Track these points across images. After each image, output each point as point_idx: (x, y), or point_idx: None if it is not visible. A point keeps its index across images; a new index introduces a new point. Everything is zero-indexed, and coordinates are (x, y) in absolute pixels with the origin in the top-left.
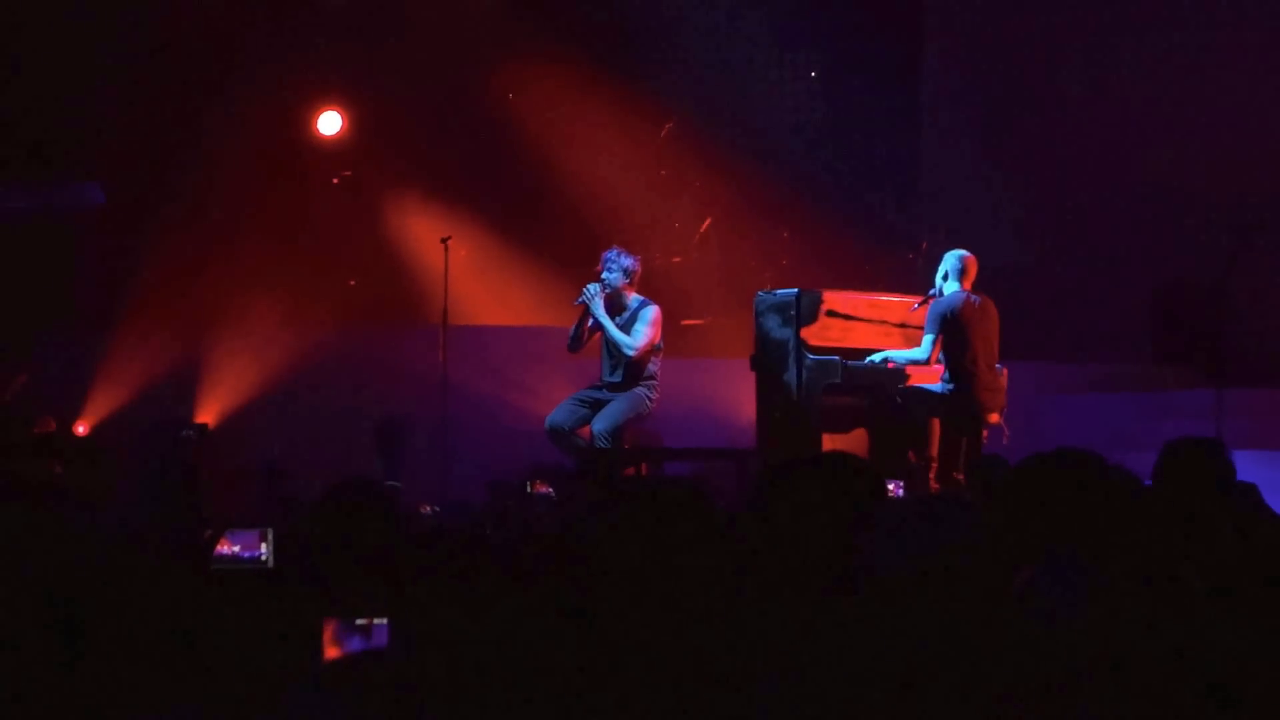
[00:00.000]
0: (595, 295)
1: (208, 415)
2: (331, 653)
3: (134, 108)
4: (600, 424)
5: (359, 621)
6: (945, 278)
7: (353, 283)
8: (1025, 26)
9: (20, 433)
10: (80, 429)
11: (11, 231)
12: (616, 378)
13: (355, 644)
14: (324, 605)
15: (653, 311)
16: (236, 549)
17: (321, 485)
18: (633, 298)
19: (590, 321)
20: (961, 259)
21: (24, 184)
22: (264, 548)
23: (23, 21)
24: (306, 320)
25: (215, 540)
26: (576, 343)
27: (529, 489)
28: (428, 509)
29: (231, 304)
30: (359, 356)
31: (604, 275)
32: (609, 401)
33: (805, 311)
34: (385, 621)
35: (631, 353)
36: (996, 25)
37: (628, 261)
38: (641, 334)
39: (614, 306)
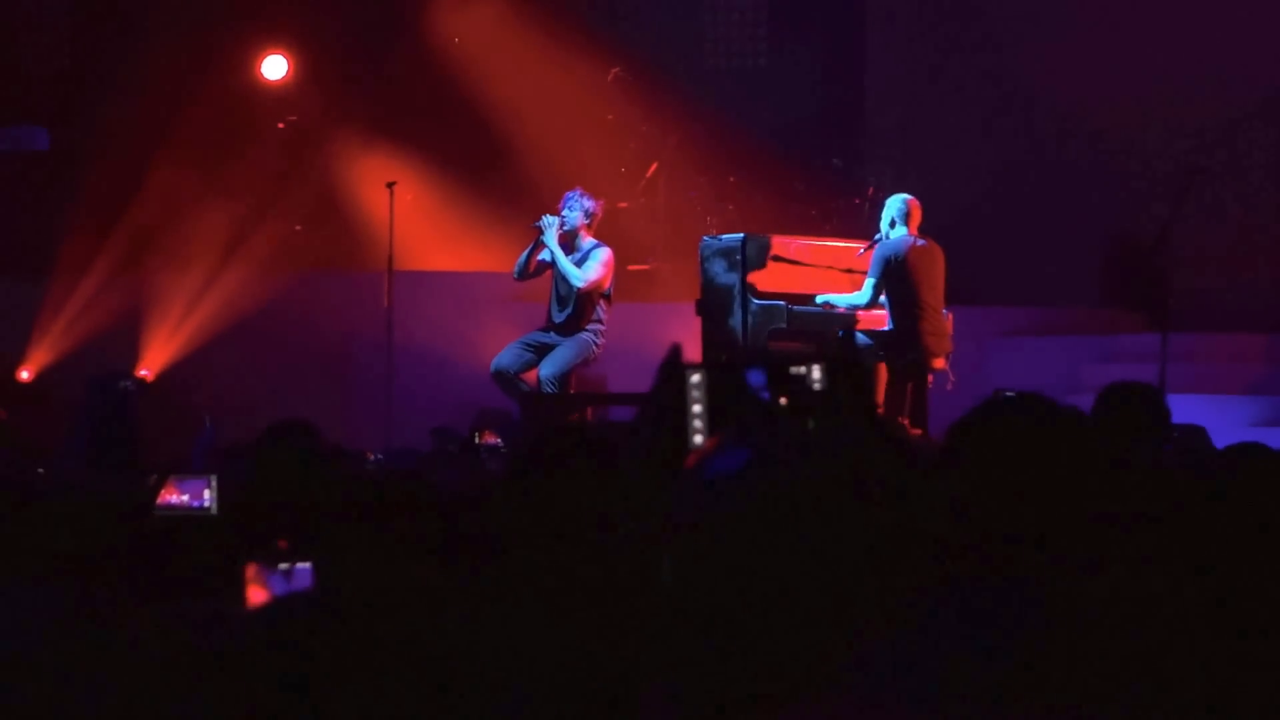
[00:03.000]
0: (551, 225)
1: (151, 361)
2: (255, 597)
3: (77, 52)
4: (547, 369)
5: (282, 565)
6: (892, 225)
7: (298, 228)
8: None
9: None
10: (24, 375)
11: None
12: (563, 318)
13: (278, 587)
14: (259, 551)
15: (605, 253)
16: (184, 498)
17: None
18: (588, 240)
19: (542, 254)
20: (905, 202)
21: None
22: (208, 495)
23: None
24: (252, 266)
25: (159, 488)
26: (523, 271)
27: (476, 439)
28: (372, 456)
29: (175, 249)
30: (304, 302)
31: (563, 213)
32: (555, 346)
33: (751, 257)
34: (308, 565)
35: (579, 283)
36: None
37: (589, 204)
38: (591, 269)
39: (567, 248)
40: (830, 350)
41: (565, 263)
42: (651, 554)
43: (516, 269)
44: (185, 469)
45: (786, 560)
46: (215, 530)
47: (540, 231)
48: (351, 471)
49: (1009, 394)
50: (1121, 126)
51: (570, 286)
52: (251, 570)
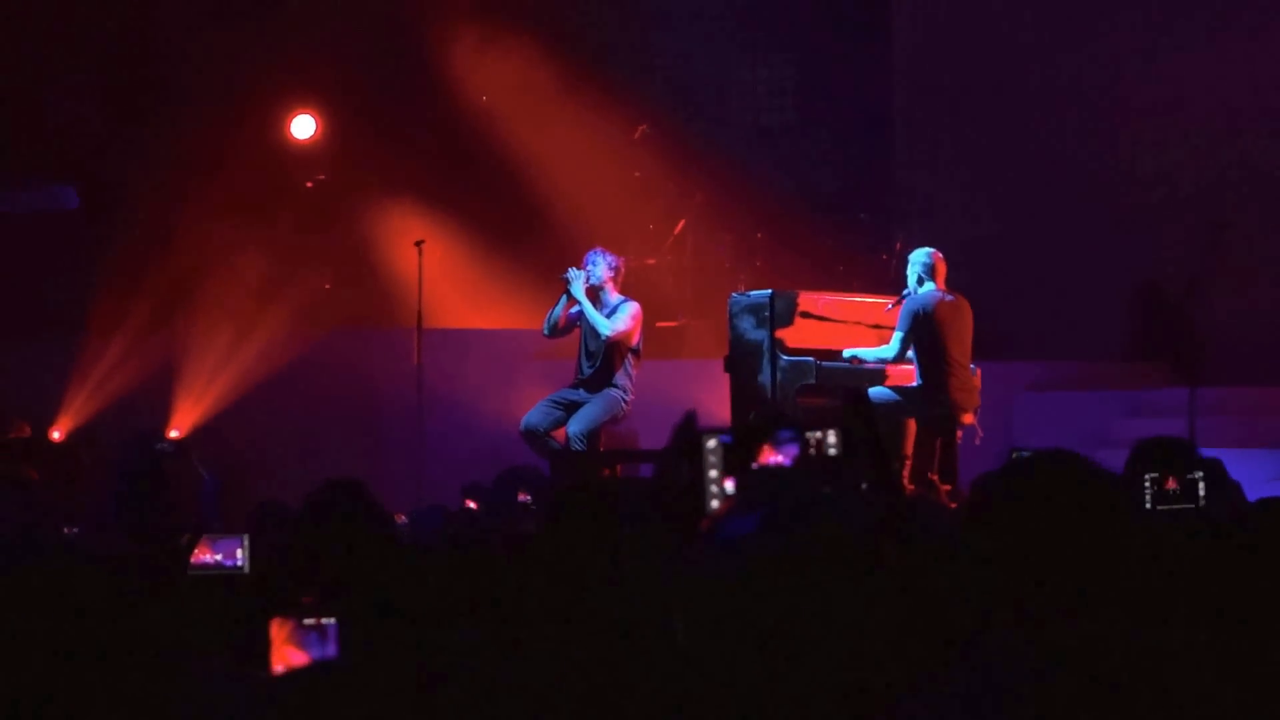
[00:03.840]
0: (578, 278)
1: (182, 420)
2: (281, 655)
3: (108, 112)
4: (575, 426)
5: (307, 621)
6: (919, 281)
7: (328, 286)
8: (997, 23)
9: None
10: (55, 434)
11: None
12: (591, 374)
13: (306, 643)
14: (287, 606)
15: (633, 306)
16: (218, 557)
17: (296, 490)
18: (615, 296)
19: (571, 309)
20: (930, 256)
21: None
22: (240, 554)
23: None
24: (282, 324)
25: (192, 546)
26: (553, 327)
27: (504, 497)
28: (402, 518)
29: (206, 308)
30: (334, 360)
31: (587, 268)
32: (584, 403)
33: (779, 313)
34: (334, 621)
35: (608, 332)
36: (968, 22)
37: (612, 259)
38: (620, 321)
39: (595, 304)
40: (845, 413)
41: (593, 313)
42: (665, 610)
43: (546, 325)
44: (216, 529)
45: (796, 621)
46: (248, 589)
47: (567, 284)
48: (390, 534)
49: (1024, 453)
50: (1148, 180)
51: (599, 342)
52: (277, 625)
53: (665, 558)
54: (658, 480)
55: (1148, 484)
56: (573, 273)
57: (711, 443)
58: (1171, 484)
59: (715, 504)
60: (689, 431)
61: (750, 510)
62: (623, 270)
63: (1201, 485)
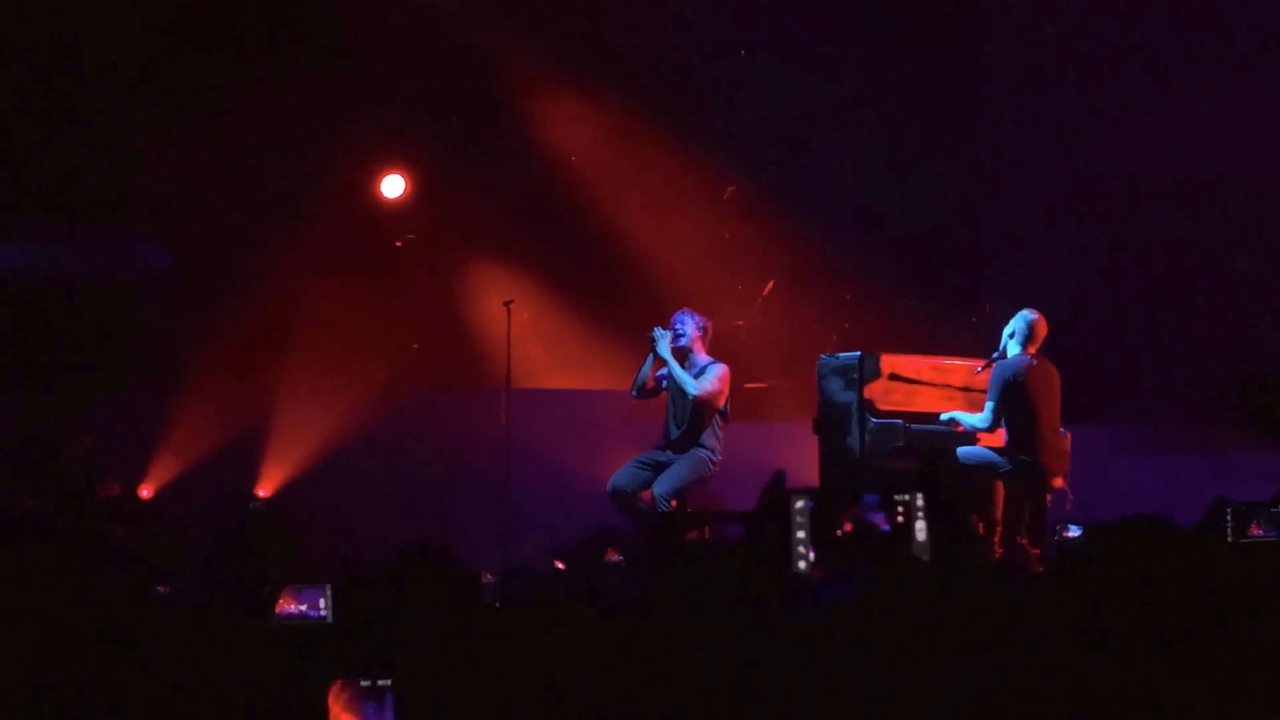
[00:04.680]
0: (664, 337)
1: (271, 478)
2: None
3: (199, 171)
4: (662, 486)
5: (364, 683)
6: (1012, 336)
7: (416, 346)
8: (1090, 86)
9: (85, 494)
10: (144, 492)
11: (81, 293)
12: (679, 435)
13: (364, 706)
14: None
15: (721, 368)
16: (302, 607)
17: (383, 548)
18: (703, 357)
19: (659, 370)
20: (1030, 322)
21: (88, 245)
22: (324, 604)
23: (90, 79)
24: (369, 383)
25: (276, 596)
26: (641, 388)
27: (593, 558)
28: (488, 577)
29: (294, 366)
30: (422, 420)
31: (675, 329)
32: (671, 464)
33: (868, 374)
34: (389, 683)
35: (695, 391)
36: (1059, 84)
37: (700, 319)
38: (707, 381)
39: (683, 365)
40: (921, 476)
41: (680, 372)
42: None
43: (635, 386)
44: (303, 578)
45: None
46: (330, 640)
47: (654, 344)
48: (472, 595)
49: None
50: (1244, 240)
51: (687, 403)
52: (336, 689)
53: (756, 622)
54: (746, 541)
55: (1229, 518)
56: (659, 332)
57: (799, 504)
58: (1255, 529)
59: (802, 565)
60: (777, 493)
61: (840, 578)
62: (710, 331)
63: None
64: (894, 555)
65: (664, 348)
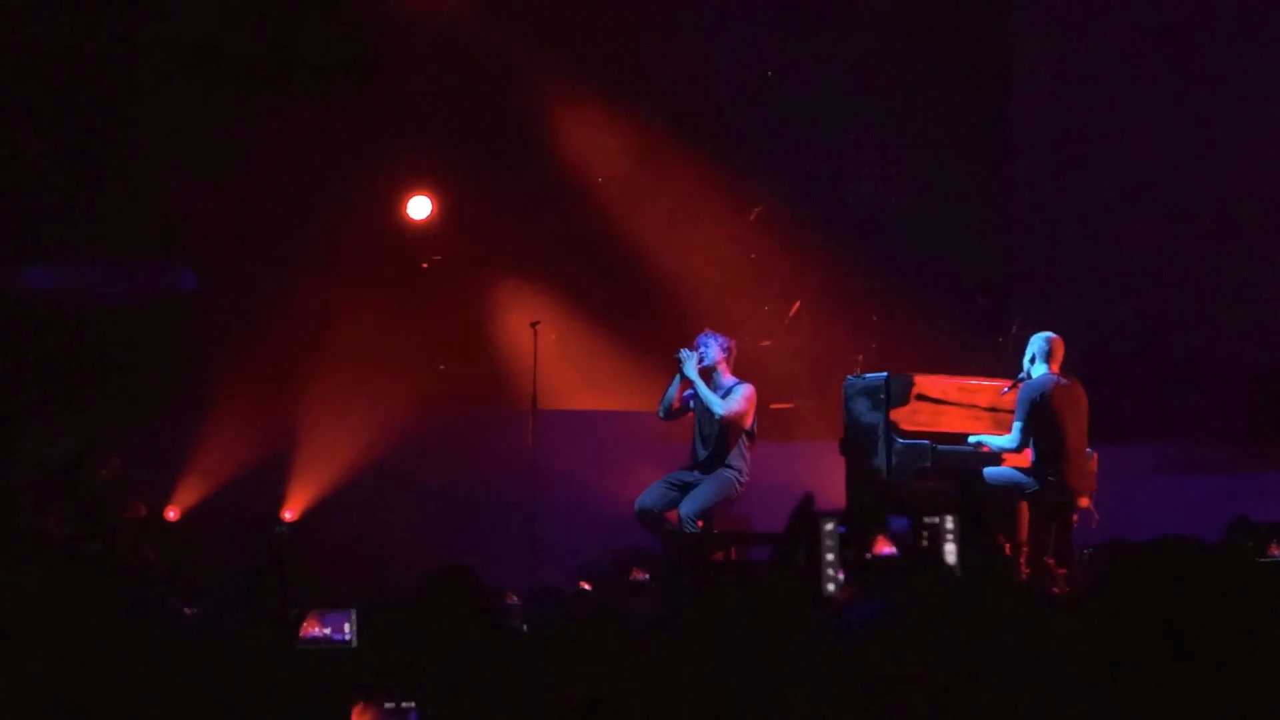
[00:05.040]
0: (690, 358)
1: (297, 500)
2: None
3: (225, 193)
4: (688, 507)
5: (388, 705)
6: (1032, 360)
7: (442, 367)
8: (1117, 105)
9: (113, 517)
10: (171, 514)
11: (108, 315)
12: (706, 456)
13: None
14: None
15: (747, 389)
16: (326, 631)
17: (410, 570)
18: (729, 378)
19: (685, 391)
20: (1048, 341)
21: (115, 267)
22: (348, 628)
23: (114, 104)
24: (396, 405)
25: (300, 619)
26: (668, 409)
27: (622, 577)
28: (513, 598)
29: (320, 388)
30: (449, 441)
31: (700, 350)
32: (699, 484)
33: (895, 395)
34: (413, 706)
35: (722, 411)
36: (1087, 104)
37: (723, 340)
38: (734, 401)
39: (709, 386)
40: (956, 499)
41: (707, 392)
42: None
43: (661, 407)
44: (328, 602)
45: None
46: (355, 664)
47: (680, 364)
48: (496, 620)
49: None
50: (1272, 262)
51: (714, 424)
52: (358, 711)
53: (785, 644)
54: (775, 563)
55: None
56: (685, 353)
57: (829, 525)
58: (1276, 549)
59: (831, 588)
60: (806, 515)
61: (869, 601)
62: (734, 351)
63: None
64: (924, 578)
65: (690, 368)
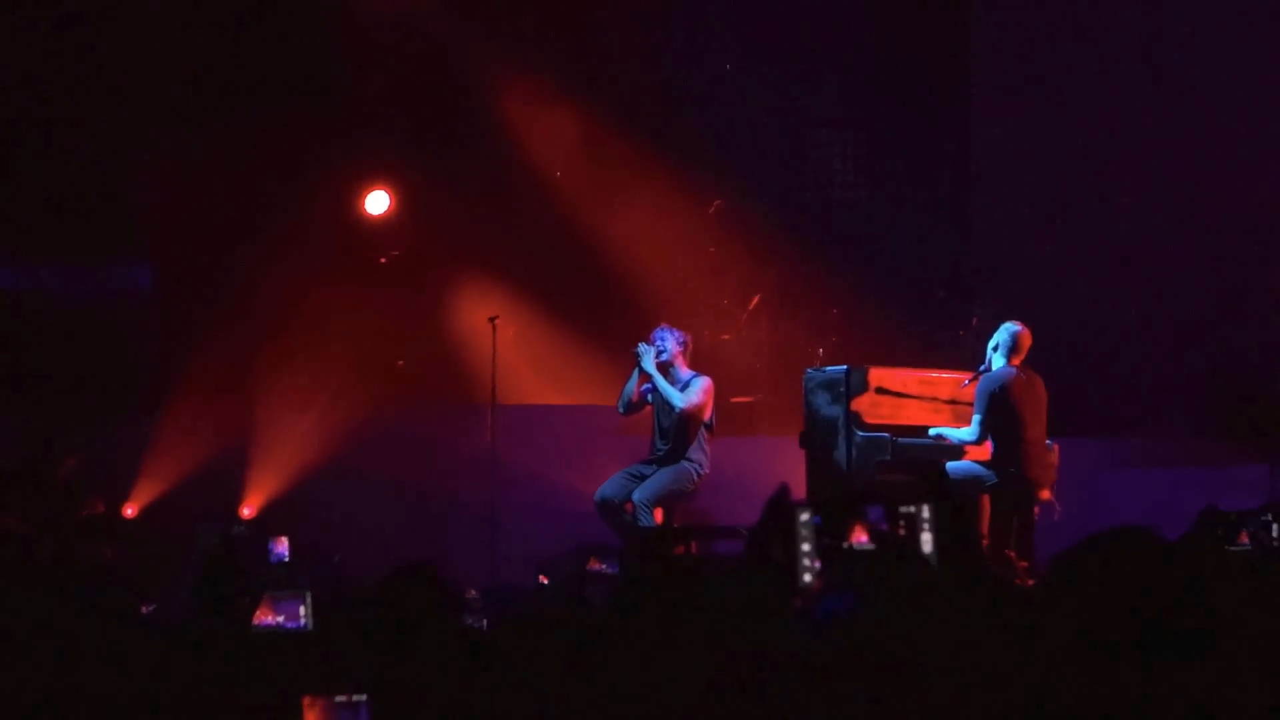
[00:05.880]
0: (648, 352)
1: (255, 497)
2: None
3: (179, 190)
4: (641, 493)
5: (339, 699)
6: (995, 349)
7: (401, 363)
8: (1078, 99)
9: (70, 514)
10: (128, 511)
11: (64, 314)
12: (665, 449)
13: None
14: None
15: (705, 381)
16: (280, 619)
17: (369, 566)
18: (686, 371)
19: (643, 386)
20: (1014, 335)
21: (71, 266)
22: (303, 612)
23: (69, 102)
24: (355, 400)
25: (253, 607)
26: (628, 405)
27: (582, 570)
28: (472, 593)
29: (279, 385)
30: (407, 437)
31: (657, 345)
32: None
33: (855, 388)
34: (365, 699)
35: (681, 404)
36: (1047, 97)
37: (679, 335)
38: (693, 394)
39: (666, 380)
40: (935, 490)
41: (666, 385)
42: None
43: (620, 403)
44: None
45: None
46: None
47: (638, 359)
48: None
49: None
50: (1230, 255)
51: (672, 418)
52: (308, 702)
53: (758, 634)
54: (750, 555)
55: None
56: (643, 348)
57: (804, 516)
58: (1244, 538)
59: (808, 579)
60: (782, 506)
61: (844, 590)
62: (690, 345)
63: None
64: (902, 568)
65: (648, 362)
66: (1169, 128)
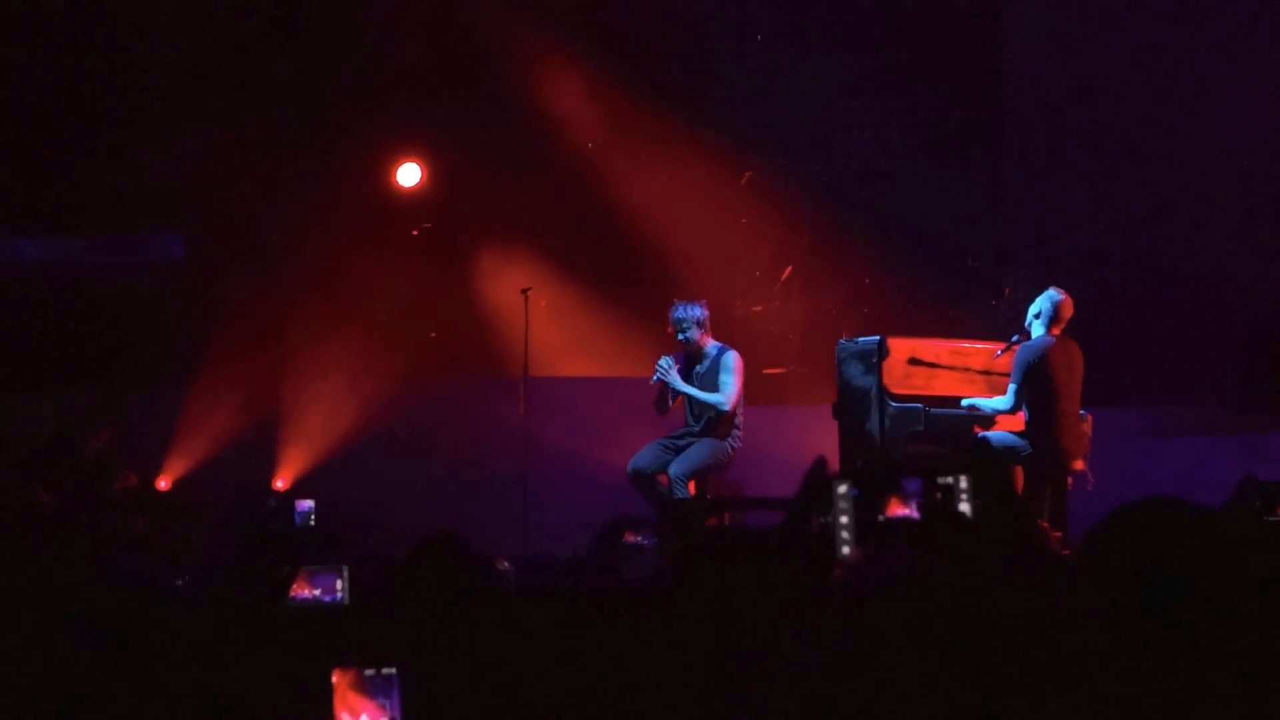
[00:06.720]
0: (669, 369)
1: (288, 469)
2: (345, 706)
3: (212, 162)
4: (677, 467)
5: (368, 672)
6: (1037, 316)
7: (433, 335)
8: (1111, 65)
9: (103, 487)
10: (161, 484)
11: (97, 287)
12: (700, 426)
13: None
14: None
15: (733, 358)
16: (317, 592)
17: (401, 538)
18: (711, 345)
19: (672, 394)
20: (1056, 304)
21: (104, 238)
22: (340, 586)
23: (103, 75)
24: (387, 372)
25: (291, 579)
26: (663, 408)
27: (615, 540)
28: (505, 564)
29: (312, 357)
30: (440, 409)
31: (679, 337)
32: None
33: (887, 359)
34: (394, 671)
35: (727, 406)
36: (1080, 64)
37: (696, 312)
38: (729, 385)
39: (693, 357)
40: (974, 461)
41: (701, 395)
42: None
43: (657, 407)
44: (318, 559)
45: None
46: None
47: (665, 380)
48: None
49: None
50: (1268, 220)
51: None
52: (337, 675)
53: (796, 606)
54: (788, 526)
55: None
56: (662, 365)
57: (842, 488)
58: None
59: (846, 550)
60: (820, 477)
61: (881, 560)
62: (709, 315)
63: None
64: (951, 538)
65: (674, 378)
66: (1206, 93)
